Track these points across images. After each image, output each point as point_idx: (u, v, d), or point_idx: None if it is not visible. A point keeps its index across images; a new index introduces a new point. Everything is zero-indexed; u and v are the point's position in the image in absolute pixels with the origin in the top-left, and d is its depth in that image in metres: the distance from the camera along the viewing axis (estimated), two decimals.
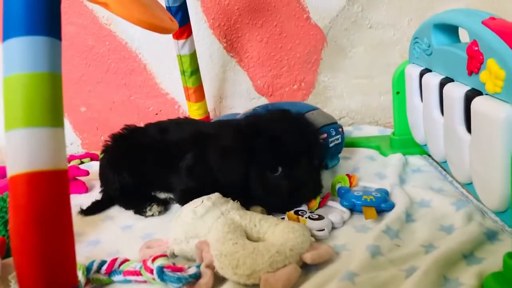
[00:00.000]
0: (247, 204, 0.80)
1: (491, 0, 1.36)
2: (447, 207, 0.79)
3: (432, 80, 0.84)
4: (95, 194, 1.00)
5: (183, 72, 1.27)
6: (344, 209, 0.82)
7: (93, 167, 1.13)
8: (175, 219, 0.75)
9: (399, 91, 1.04)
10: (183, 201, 0.80)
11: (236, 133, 0.84)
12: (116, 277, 0.68)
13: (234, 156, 0.82)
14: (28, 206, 0.36)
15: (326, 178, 0.99)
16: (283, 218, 0.76)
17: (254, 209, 0.81)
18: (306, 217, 0.75)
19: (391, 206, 0.80)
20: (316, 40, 1.39)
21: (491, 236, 0.69)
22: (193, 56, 1.25)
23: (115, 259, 0.69)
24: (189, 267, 0.65)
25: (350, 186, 0.90)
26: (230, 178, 0.82)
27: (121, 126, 1.02)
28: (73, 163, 1.19)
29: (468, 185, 0.76)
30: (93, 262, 0.67)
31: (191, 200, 0.77)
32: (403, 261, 0.66)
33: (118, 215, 0.92)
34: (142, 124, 1.04)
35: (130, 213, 0.92)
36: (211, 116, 1.40)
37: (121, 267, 0.69)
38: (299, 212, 0.78)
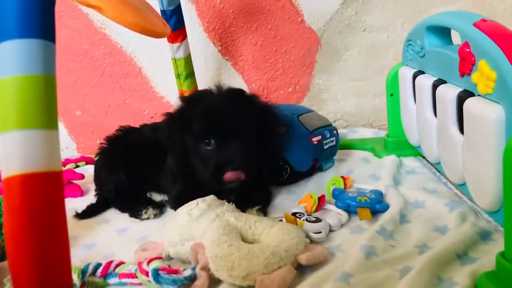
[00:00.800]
0: (242, 207, 0.80)
1: (483, 3, 1.37)
2: (441, 208, 0.80)
3: (425, 82, 0.85)
4: (91, 198, 1.00)
5: (178, 76, 1.27)
6: (342, 212, 0.82)
7: (88, 170, 1.13)
8: (170, 221, 0.75)
9: (393, 93, 1.05)
10: (176, 206, 0.80)
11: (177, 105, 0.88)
12: (112, 280, 0.68)
13: (169, 124, 0.87)
14: (23, 207, 0.36)
15: (321, 180, 0.99)
16: (280, 220, 0.76)
17: (250, 212, 0.82)
18: (303, 220, 0.75)
19: (386, 207, 0.81)
20: (310, 43, 1.40)
21: (484, 236, 0.70)
22: (188, 59, 1.25)
23: (110, 262, 0.69)
24: (184, 269, 0.65)
25: (344, 188, 0.91)
26: (171, 146, 0.87)
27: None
28: (68, 166, 1.19)
29: (462, 186, 0.77)
30: (88, 265, 0.68)
31: (185, 204, 0.77)
32: (397, 262, 0.66)
33: (114, 218, 0.92)
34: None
35: (126, 216, 0.92)
36: None
37: (117, 270, 0.69)
38: (297, 215, 0.78)
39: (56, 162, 0.39)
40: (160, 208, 0.91)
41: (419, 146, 0.96)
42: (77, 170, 1.15)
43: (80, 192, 1.05)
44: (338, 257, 0.69)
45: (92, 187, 1.03)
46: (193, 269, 0.65)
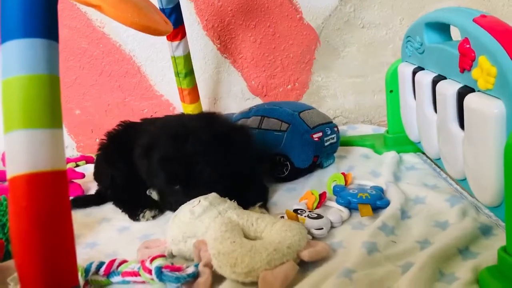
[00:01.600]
0: (244, 204, 0.80)
1: None
2: (442, 203, 0.80)
3: (425, 78, 0.85)
4: None
5: (177, 74, 1.27)
6: (343, 208, 0.82)
7: (89, 169, 1.13)
8: (172, 219, 0.75)
9: (392, 90, 1.05)
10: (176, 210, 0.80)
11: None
12: (115, 278, 0.68)
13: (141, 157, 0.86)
14: (29, 206, 0.36)
15: (322, 176, 1.00)
16: (282, 217, 0.76)
17: (252, 209, 0.82)
18: (305, 216, 0.76)
19: (386, 203, 0.81)
20: (309, 40, 1.40)
21: (485, 231, 0.70)
22: (187, 57, 1.25)
23: (113, 260, 0.69)
24: (187, 267, 0.65)
25: (345, 184, 0.91)
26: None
27: None
28: (68, 166, 1.19)
29: (462, 181, 0.77)
30: (91, 263, 0.68)
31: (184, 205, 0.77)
32: (399, 257, 0.66)
33: (115, 217, 0.92)
34: None
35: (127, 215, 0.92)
36: None
37: (120, 268, 0.69)
38: (298, 211, 0.79)
39: (61, 161, 0.39)
40: (158, 208, 0.90)
41: (419, 142, 0.97)
42: (77, 169, 1.15)
43: (80, 191, 1.05)
44: (340, 253, 0.69)
45: (93, 186, 1.03)
46: (196, 266, 0.65)
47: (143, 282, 0.67)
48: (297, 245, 0.65)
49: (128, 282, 0.68)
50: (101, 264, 0.69)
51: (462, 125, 0.73)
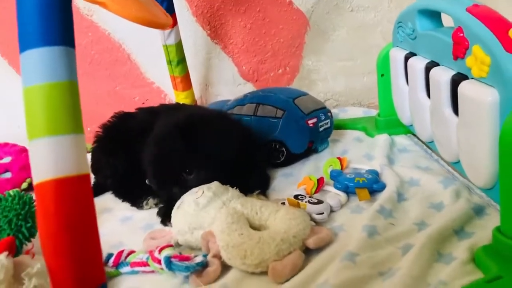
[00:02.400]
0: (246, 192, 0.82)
1: None
2: (436, 185, 0.83)
3: (418, 64, 0.87)
4: None
5: (169, 62, 1.27)
6: (340, 192, 0.84)
7: None
8: (175, 209, 0.76)
9: (383, 74, 1.06)
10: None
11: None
12: (124, 269, 0.70)
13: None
14: (57, 211, 0.38)
15: (317, 161, 1.02)
16: (283, 203, 0.78)
17: (250, 196, 0.83)
18: (306, 202, 0.78)
19: (383, 187, 0.84)
20: (299, 25, 1.40)
21: (478, 211, 0.73)
22: (179, 45, 1.25)
23: (122, 251, 0.71)
24: (195, 256, 0.67)
25: (341, 169, 0.93)
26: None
27: (107, 118, 1.01)
28: None
29: (456, 164, 0.80)
30: None
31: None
32: (398, 239, 0.69)
33: (116, 207, 0.93)
34: None
35: (127, 204, 0.93)
36: (198, 103, 1.41)
37: (128, 259, 0.70)
38: (299, 197, 0.81)
39: (85, 165, 0.40)
40: (159, 197, 0.91)
41: (411, 125, 0.99)
42: None
43: None
44: (341, 237, 0.72)
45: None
46: (205, 256, 0.67)
47: (152, 272, 0.68)
48: (302, 234, 0.67)
49: (137, 272, 0.69)
50: (110, 255, 0.70)
51: (455, 110, 0.75)
